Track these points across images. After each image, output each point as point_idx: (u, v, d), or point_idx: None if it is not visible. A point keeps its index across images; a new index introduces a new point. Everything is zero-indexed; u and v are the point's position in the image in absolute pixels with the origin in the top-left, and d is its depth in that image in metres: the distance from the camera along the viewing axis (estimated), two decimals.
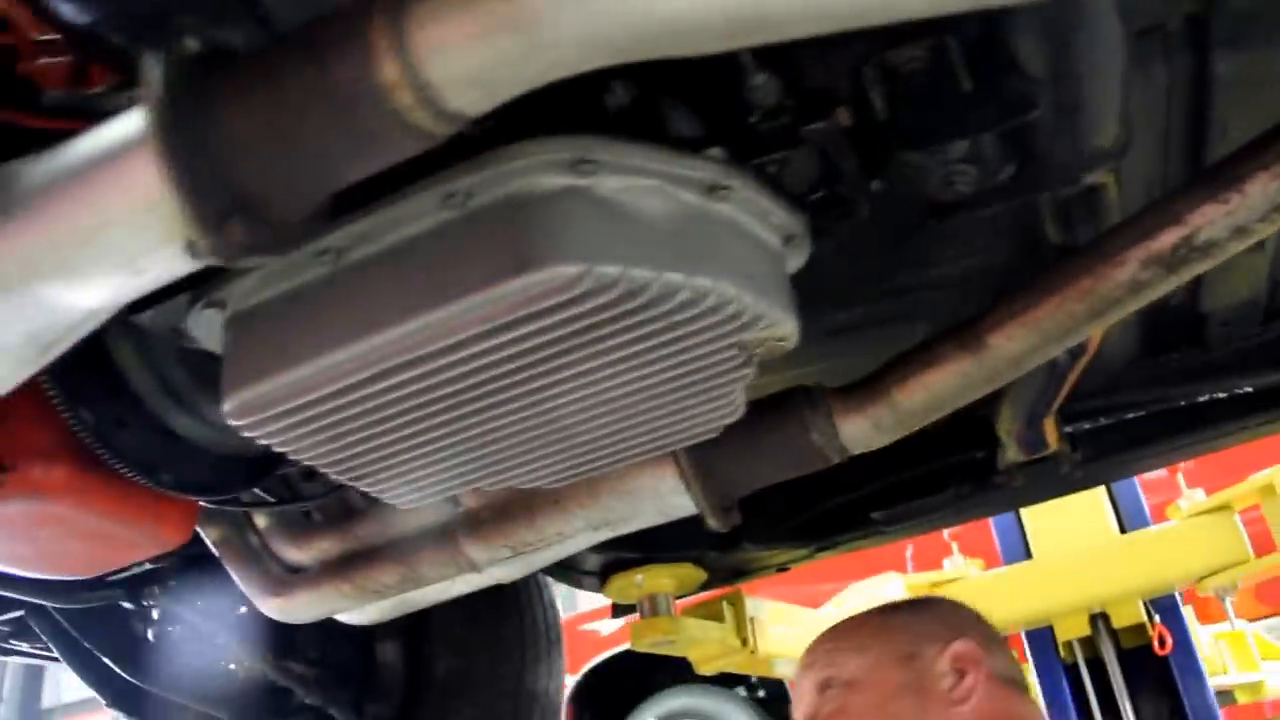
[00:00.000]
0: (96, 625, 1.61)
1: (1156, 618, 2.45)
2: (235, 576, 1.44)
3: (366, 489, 1.04)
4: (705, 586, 1.79)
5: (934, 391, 1.14)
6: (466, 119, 0.63)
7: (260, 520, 1.45)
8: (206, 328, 0.95)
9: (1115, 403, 1.57)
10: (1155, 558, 2.41)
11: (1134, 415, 1.59)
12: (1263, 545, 2.30)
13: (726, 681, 3.94)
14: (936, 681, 1.27)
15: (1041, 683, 2.49)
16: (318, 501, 1.32)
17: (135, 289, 0.75)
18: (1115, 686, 2.36)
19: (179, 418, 1.12)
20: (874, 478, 1.65)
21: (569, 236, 0.82)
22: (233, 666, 1.77)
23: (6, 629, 1.71)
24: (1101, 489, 2.55)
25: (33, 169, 0.72)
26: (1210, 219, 0.92)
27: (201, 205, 0.64)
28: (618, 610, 2.00)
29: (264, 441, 0.93)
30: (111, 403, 1.09)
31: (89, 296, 0.75)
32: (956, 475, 1.65)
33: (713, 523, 1.21)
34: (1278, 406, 1.54)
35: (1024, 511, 2.68)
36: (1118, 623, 2.39)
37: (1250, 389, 1.51)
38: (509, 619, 2.00)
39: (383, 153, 0.65)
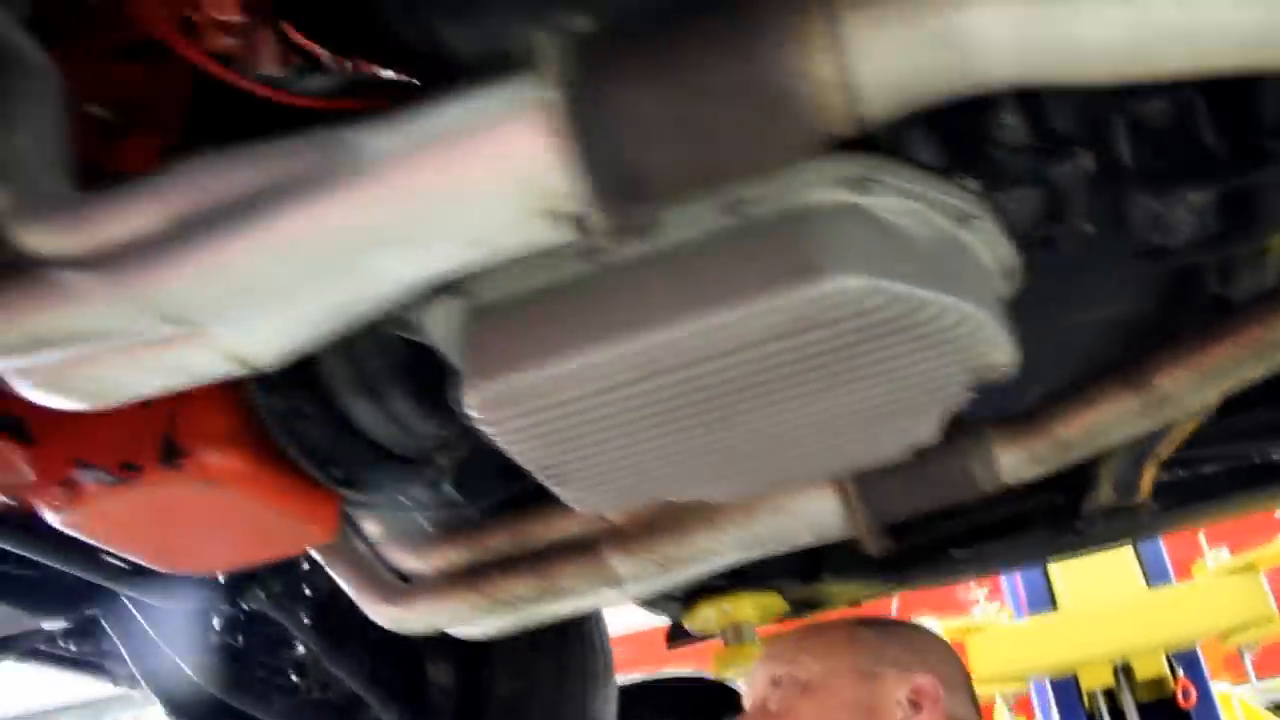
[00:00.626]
0: (176, 628, 1.56)
1: (1180, 671, 2.54)
2: (344, 583, 1.41)
3: (560, 490, 1.04)
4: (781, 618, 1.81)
5: (1093, 428, 1.19)
6: (867, 125, 0.66)
7: (371, 527, 1.43)
8: (441, 319, 0.95)
9: (1194, 455, 1.64)
10: (1181, 612, 2.50)
11: (1210, 469, 1.66)
12: None
13: None
14: (890, 709, 1.23)
15: None
16: (481, 503, 1.31)
17: (462, 263, 0.76)
18: None
19: (365, 411, 1.11)
20: (957, 516, 1.69)
21: (855, 251, 0.85)
22: (295, 679, 1.72)
23: (63, 629, 1.65)
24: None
25: (376, 138, 0.72)
26: None
27: (601, 182, 0.65)
28: (674, 638, 2.00)
29: (494, 435, 0.93)
30: (299, 389, 1.08)
31: (415, 268, 0.75)
32: (1037, 518, 1.70)
33: (869, 546, 1.24)
34: None
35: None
36: (1141, 675, 2.47)
37: None
38: (573, 645, 1.99)
39: (781, 150, 0.67)
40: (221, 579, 1.46)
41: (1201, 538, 2.85)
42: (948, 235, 0.92)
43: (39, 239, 0.77)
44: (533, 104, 0.67)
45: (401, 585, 1.39)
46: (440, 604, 1.35)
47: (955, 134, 0.95)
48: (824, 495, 1.23)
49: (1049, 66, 0.63)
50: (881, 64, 0.62)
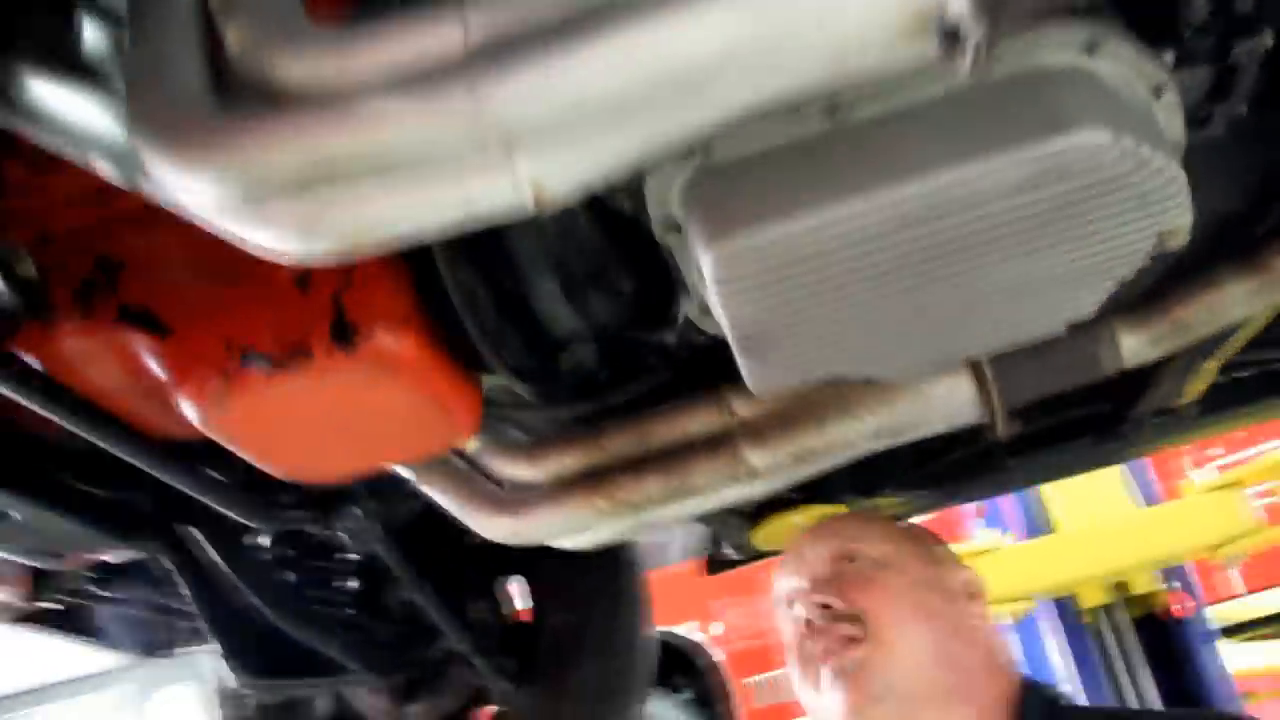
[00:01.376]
0: (241, 561, 1.47)
1: (1176, 584, 2.70)
2: (444, 497, 1.36)
3: (752, 363, 1.02)
4: None
5: (1214, 309, 1.24)
6: None
7: (470, 443, 1.38)
8: (668, 180, 0.92)
9: (1231, 361, 1.72)
10: (1174, 530, 2.64)
11: (1243, 374, 1.75)
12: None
13: (664, 684, 3.96)
14: (956, 592, 1.25)
15: (1068, 646, 2.68)
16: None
17: (812, 86, 0.72)
18: (1129, 650, 2.56)
19: (550, 301, 1.06)
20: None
21: (1094, 107, 0.87)
22: (351, 612, 1.65)
23: (109, 570, 1.55)
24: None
25: None
26: None
27: None
28: (715, 566, 2.00)
29: (729, 293, 0.91)
30: (484, 268, 1.04)
31: (762, 91, 0.71)
32: (1082, 426, 1.76)
33: (1000, 429, 1.26)
34: None
35: (1046, 487, 2.87)
36: (1135, 590, 2.60)
37: None
38: (622, 573, 1.96)
39: None
40: (309, 499, 1.38)
41: (1185, 461, 3.04)
42: (1146, 104, 0.95)
43: (306, 66, 0.72)
44: None
45: (513, 495, 1.35)
46: (562, 510, 1.31)
47: (1152, 7, 0.98)
48: (960, 380, 1.25)
49: None
50: None
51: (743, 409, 1.29)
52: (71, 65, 0.79)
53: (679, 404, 1.30)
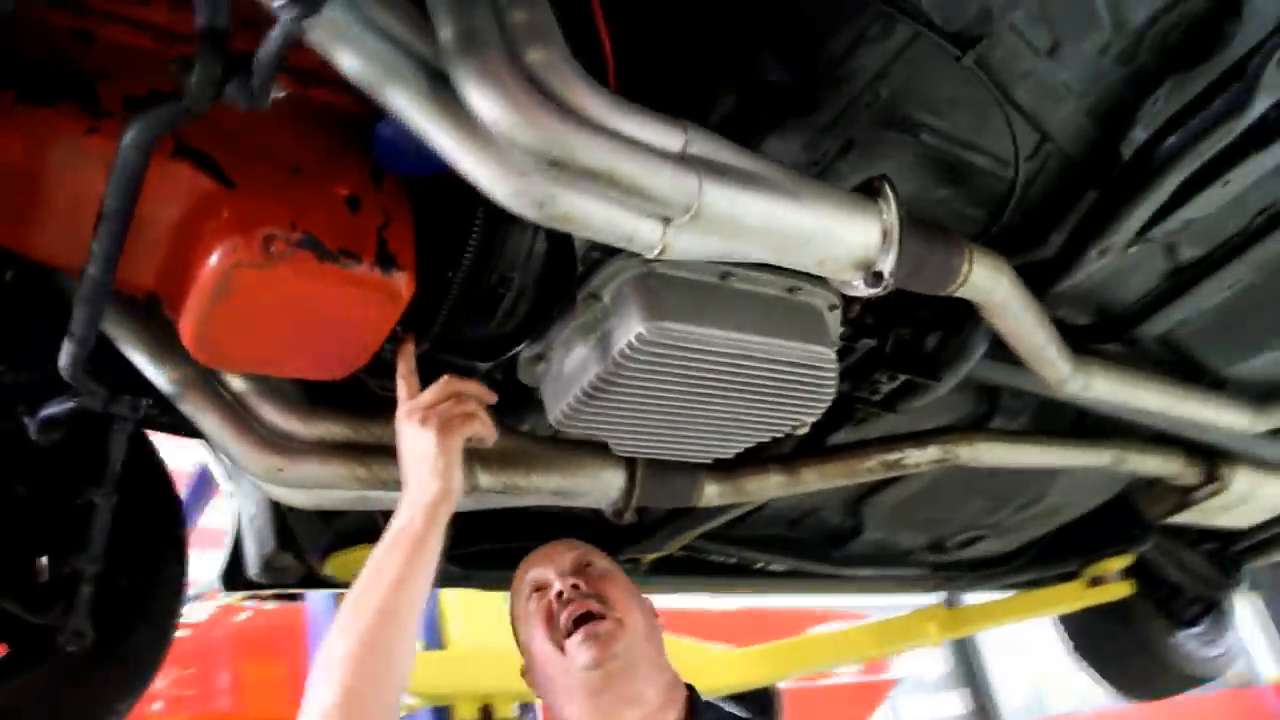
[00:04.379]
0: None
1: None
2: (213, 427, 1.48)
3: (577, 405, 1.48)
4: None
5: (759, 488, 1.99)
6: None
7: (237, 382, 1.53)
8: (624, 267, 1.40)
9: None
10: None
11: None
12: None
13: None
14: (650, 606, 1.64)
15: None
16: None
17: (797, 266, 1.30)
18: None
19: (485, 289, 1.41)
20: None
21: (821, 329, 1.57)
22: None
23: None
24: None
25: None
26: None
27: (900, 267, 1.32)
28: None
29: (630, 363, 1.39)
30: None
31: (790, 259, 1.29)
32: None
33: (627, 518, 1.82)
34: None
35: (451, 605, 3.29)
36: (498, 714, 3.05)
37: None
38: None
39: None
40: None
41: None
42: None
43: (587, 100, 1.12)
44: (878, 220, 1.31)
45: (283, 440, 1.52)
46: (325, 467, 1.52)
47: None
48: (619, 475, 1.79)
49: None
50: None
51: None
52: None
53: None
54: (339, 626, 1.25)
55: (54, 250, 1.23)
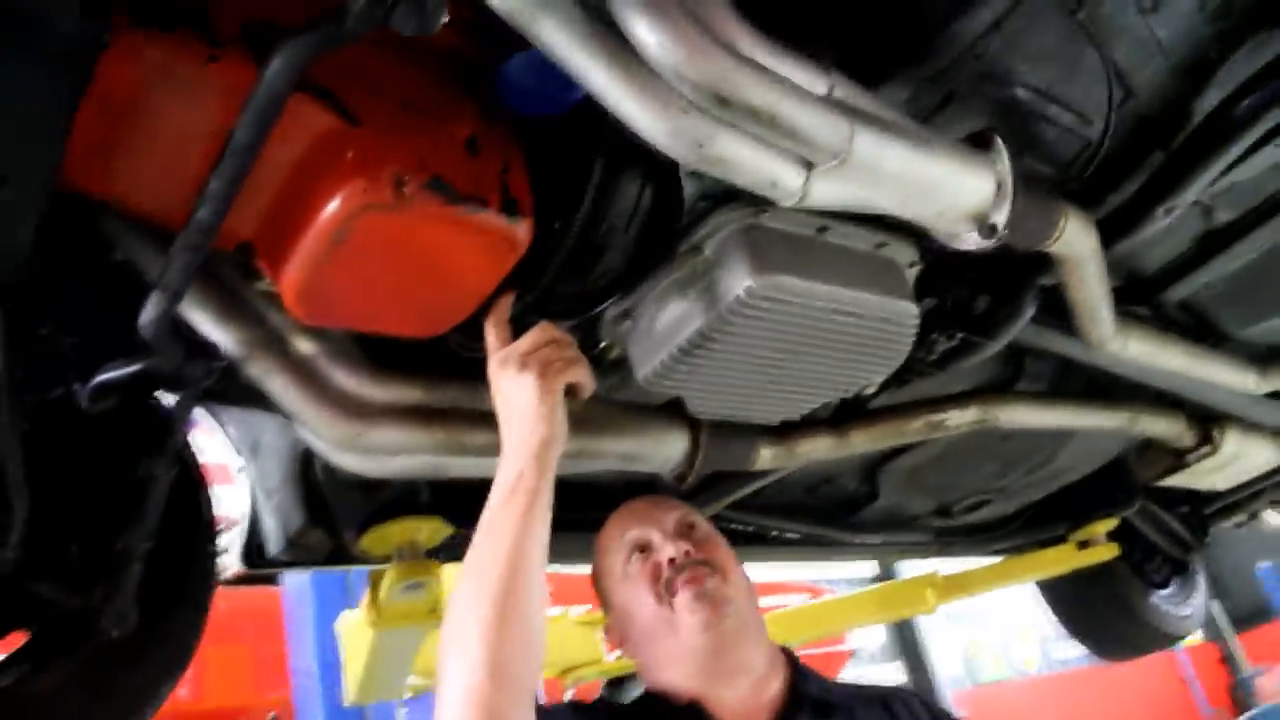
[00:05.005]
0: None
1: None
2: (287, 393, 1.39)
3: (668, 362, 1.44)
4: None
5: (810, 451, 1.97)
6: None
7: (305, 344, 1.45)
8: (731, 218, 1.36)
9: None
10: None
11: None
12: None
13: None
14: None
15: None
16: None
17: (918, 217, 1.28)
18: None
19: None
20: None
21: (904, 287, 1.56)
22: None
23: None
24: None
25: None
26: None
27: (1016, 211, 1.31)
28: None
29: (738, 317, 1.35)
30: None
31: (910, 209, 1.26)
32: None
33: (690, 482, 1.78)
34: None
35: None
36: None
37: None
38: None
39: None
40: None
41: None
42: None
43: (749, 42, 1.08)
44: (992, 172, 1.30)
45: (354, 405, 1.44)
46: (400, 432, 1.44)
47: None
48: (683, 440, 1.75)
49: None
50: None
51: None
52: None
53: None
54: (463, 601, 1.19)
55: (149, 197, 1.13)
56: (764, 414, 1.69)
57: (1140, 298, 2.11)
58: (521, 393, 1.30)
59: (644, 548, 1.55)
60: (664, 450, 1.75)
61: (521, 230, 1.21)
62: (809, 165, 1.14)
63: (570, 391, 1.35)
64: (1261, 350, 2.36)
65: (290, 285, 1.17)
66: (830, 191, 1.18)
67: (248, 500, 2.03)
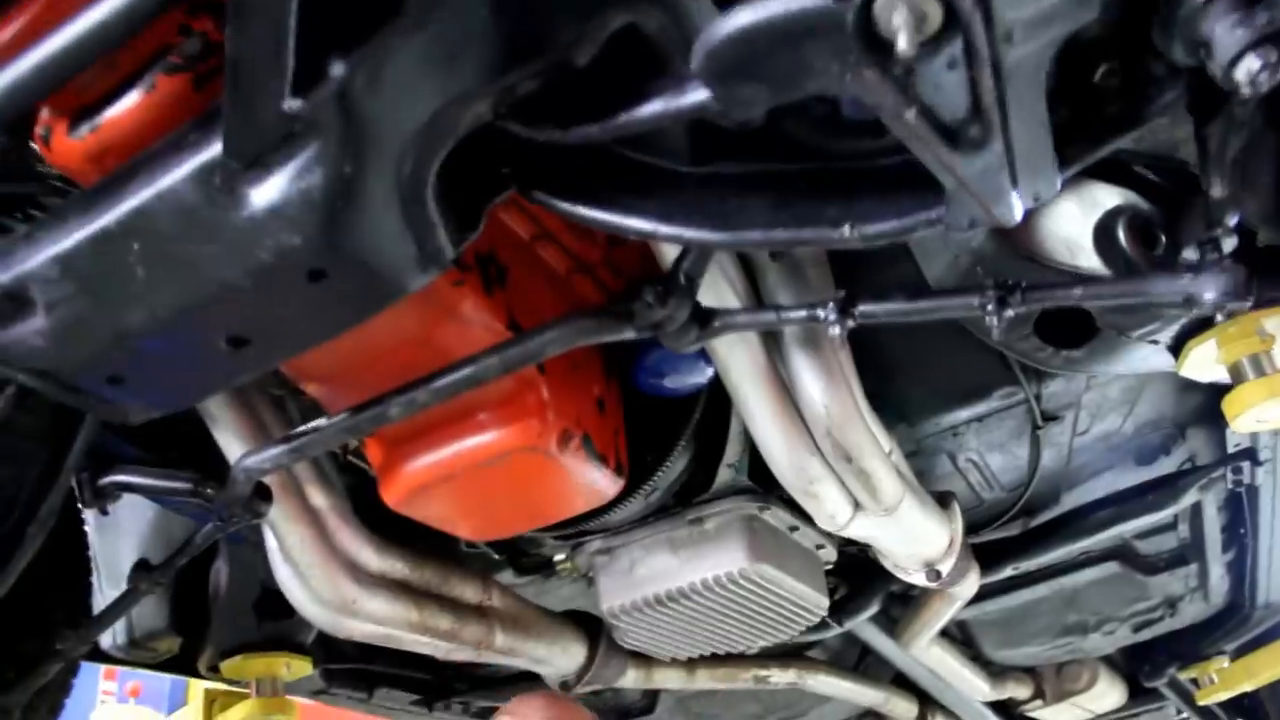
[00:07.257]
0: None
1: None
2: (289, 538, 1.41)
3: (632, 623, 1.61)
4: None
5: None
6: None
7: (318, 498, 1.47)
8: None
9: None
10: None
11: None
12: None
13: None
14: None
15: None
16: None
17: None
18: None
19: None
20: None
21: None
22: None
23: None
24: None
25: None
26: None
27: None
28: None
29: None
30: None
31: None
32: None
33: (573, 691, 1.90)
34: None
35: None
36: None
37: None
38: None
39: None
40: None
41: None
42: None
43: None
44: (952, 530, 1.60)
45: (357, 571, 1.47)
46: (390, 604, 1.49)
47: None
48: (581, 651, 1.88)
49: None
50: None
51: (497, 600, 1.71)
52: None
53: (462, 573, 1.66)
54: None
55: (336, 392, 1.16)
56: (673, 651, 1.86)
57: None
58: None
59: None
60: (567, 660, 1.88)
61: (617, 489, 1.35)
62: (859, 507, 1.39)
63: None
64: (999, 669, 2.85)
65: (406, 479, 1.23)
66: (859, 527, 1.44)
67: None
